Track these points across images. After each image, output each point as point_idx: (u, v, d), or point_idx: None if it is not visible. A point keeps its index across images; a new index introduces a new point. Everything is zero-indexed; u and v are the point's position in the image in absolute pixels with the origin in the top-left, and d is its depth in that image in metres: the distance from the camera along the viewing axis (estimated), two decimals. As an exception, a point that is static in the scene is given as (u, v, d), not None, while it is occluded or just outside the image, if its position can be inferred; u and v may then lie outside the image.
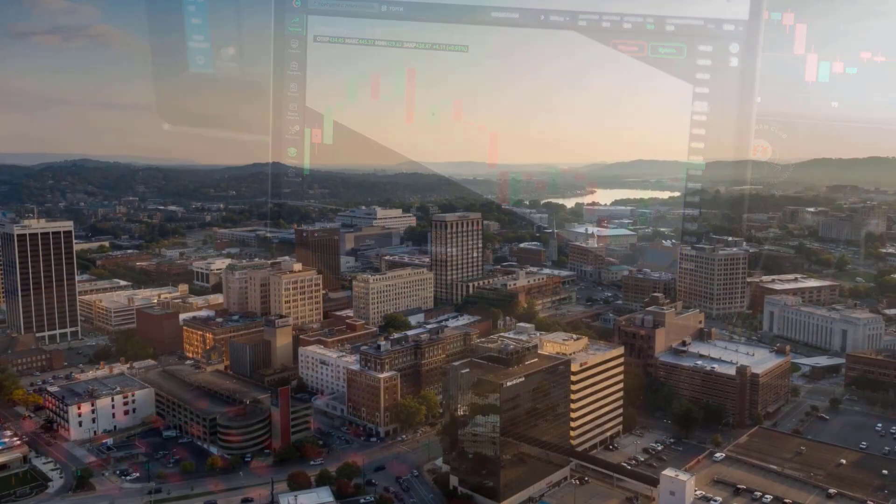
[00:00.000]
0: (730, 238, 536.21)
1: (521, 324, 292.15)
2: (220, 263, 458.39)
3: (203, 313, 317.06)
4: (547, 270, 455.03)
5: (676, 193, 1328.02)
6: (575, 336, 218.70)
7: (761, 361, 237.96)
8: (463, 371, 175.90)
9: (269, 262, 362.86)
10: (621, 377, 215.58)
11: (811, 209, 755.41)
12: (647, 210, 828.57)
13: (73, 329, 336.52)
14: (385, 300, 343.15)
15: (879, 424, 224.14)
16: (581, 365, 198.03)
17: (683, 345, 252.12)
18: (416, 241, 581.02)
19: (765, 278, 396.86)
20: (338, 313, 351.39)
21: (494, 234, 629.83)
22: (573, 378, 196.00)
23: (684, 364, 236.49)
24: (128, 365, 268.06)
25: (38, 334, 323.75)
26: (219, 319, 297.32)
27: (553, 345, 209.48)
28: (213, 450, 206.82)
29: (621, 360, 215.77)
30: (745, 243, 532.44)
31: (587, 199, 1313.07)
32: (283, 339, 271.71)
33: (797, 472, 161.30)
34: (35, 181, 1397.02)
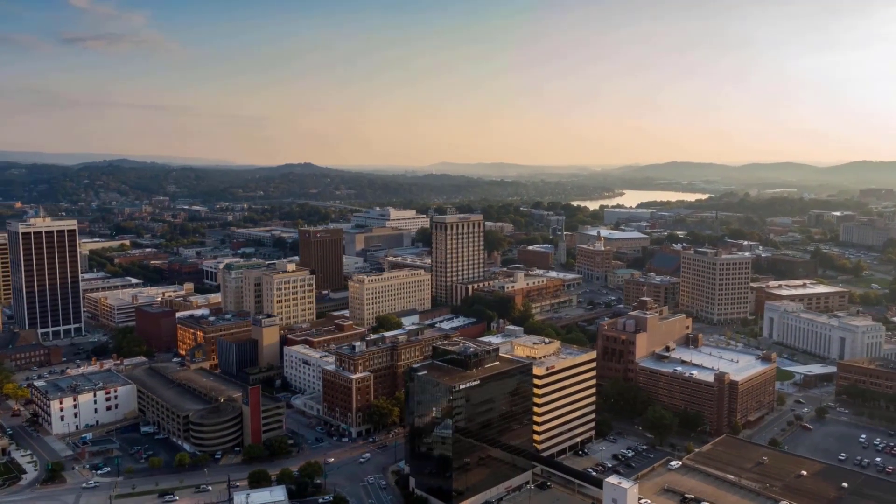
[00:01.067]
0: (745, 242, 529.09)
1: (510, 326, 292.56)
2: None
3: (199, 312, 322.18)
4: (552, 273, 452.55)
5: (704, 196, 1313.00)
6: (547, 340, 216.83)
7: (743, 368, 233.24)
8: (420, 373, 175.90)
9: (267, 262, 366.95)
10: (593, 382, 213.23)
11: (837, 213, 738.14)
12: (669, 213, 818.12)
13: (76, 325, 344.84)
14: (381, 301, 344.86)
15: (863, 436, 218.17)
16: (547, 369, 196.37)
17: (667, 350, 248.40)
18: (427, 243, 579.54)
19: (771, 283, 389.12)
20: (335, 313, 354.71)
21: (507, 235, 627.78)
22: (538, 382, 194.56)
23: (664, 370, 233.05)
24: (118, 361, 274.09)
25: (42, 330, 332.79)
26: (211, 318, 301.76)
27: (523, 348, 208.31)
28: (187, 446, 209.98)
29: (593, 364, 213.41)
30: (760, 247, 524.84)
31: (614, 202, 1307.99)
32: (269, 338, 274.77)
33: (753, 482, 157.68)
34: (72, 180, 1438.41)
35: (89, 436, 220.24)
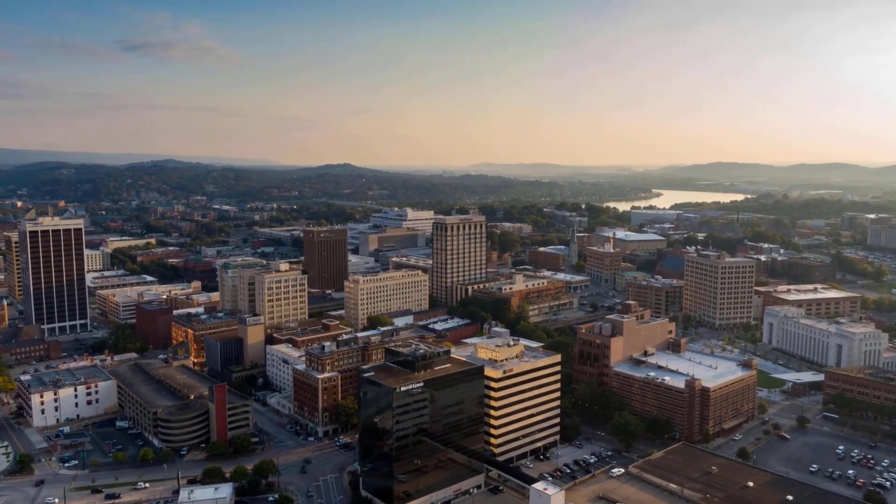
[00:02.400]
0: (765, 245, 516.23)
1: (496, 328, 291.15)
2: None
3: (195, 310, 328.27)
4: (561, 275, 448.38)
5: (741, 197, 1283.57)
6: (511, 342, 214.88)
7: (720, 375, 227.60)
8: (367, 375, 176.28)
9: (265, 261, 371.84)
10: (557, 385, 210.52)
11: (871, 216, 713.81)
12: (694, 214, 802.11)
13: (82, 321, 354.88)
14: (376, 301, 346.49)
15: (841, 447, 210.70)
16: (504, 372, 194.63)
17: (645, 355, 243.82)
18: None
19: (780, 288, 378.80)
20: (334, 313, 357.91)
21: (523, 236, 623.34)
22: (494, 385, 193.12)
23: (637, 375, 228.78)
24: (106, 357, 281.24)
25: (48, 325, 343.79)
26: (203, 316, 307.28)
27: (486, 350, 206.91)
28: (156, 442, 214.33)
29: (557, 368, 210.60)
30: (781, 250, 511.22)
31: (649, 203, 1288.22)
32: (254, 337, 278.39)
33: (696, 493, 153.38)
34: (116, 180, 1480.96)
35: (66, 429, 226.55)
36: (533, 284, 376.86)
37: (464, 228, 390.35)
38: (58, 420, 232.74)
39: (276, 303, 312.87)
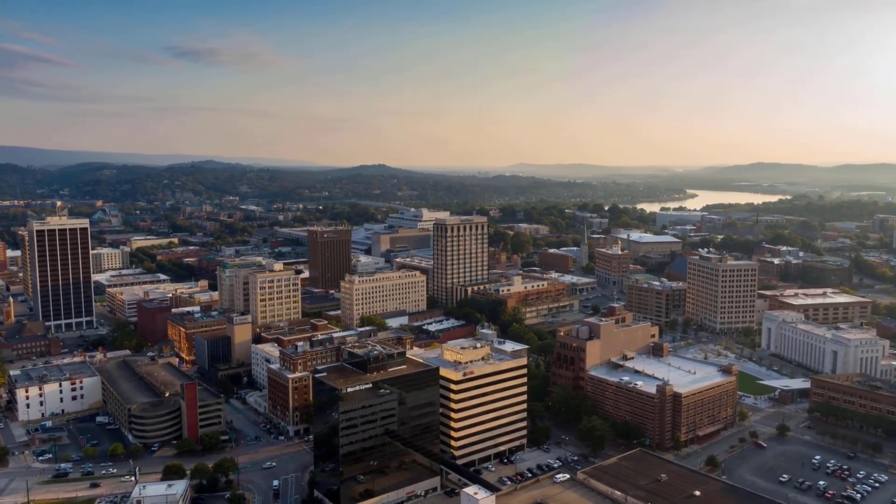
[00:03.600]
0: (783, 248, 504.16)
1: (484, 330, 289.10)
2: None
3: (192, 309, 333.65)
4: (568, 277, 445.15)
5: (775, 198, 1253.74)
6: (479, 344, 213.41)
7: (698, 381, 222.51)
8: (318, 375, 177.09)
9: (263, 261, 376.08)
10: (523, 388, 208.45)
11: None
12: (718, 216, 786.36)
13: (87, 318, 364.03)
14: (372, 302, 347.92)
15: (818, 456, 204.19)
16: (464, 374, 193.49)
17: (624, 359, 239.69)
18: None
19: (787, 292, 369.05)
20: (332, 313, 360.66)
21: (538, 238, 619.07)
22: (454, 387, 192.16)
23: (610, 379, 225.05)
24: (94, 353, 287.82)
25: (55, 322, 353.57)
26: (197, 315, 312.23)
27: (451, 353, 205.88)
28: (130, 437, 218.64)
29: (523, 371, 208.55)
30: (801, 253, 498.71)
31: (683, 204, 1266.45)
32: (241, 336, 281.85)
33: (640, 500, 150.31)
34: (153, 180, 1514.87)
35: (48, 423, 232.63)
36: (532, 286, 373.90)
37: (464, 229, 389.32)
38: (42, 414, 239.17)
39: (268, 302, 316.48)
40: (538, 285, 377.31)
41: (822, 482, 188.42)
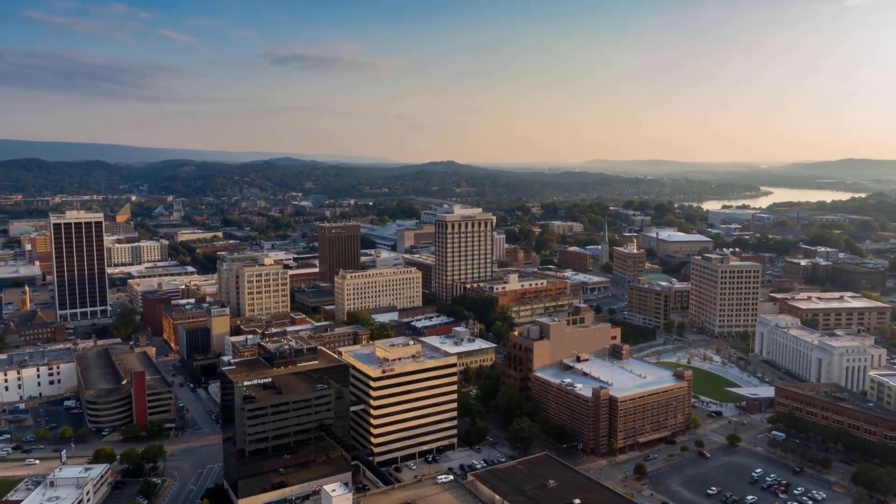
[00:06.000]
0: (821, 248, 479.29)
1: (457, 328, 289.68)
2: (274, 256, 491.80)
3: (186, 300, 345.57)
4: (580, 276, 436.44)
5: (846, 196, 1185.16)
6: (412, 342, 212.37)
7: (644, 385, 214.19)
8: (224, 368, 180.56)
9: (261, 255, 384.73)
10: (453, 387, 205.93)
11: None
12: (769, 215, 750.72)
13: (102, 308, 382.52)
14: (363, 297, 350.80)
15: (759, 469, 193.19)
16: (383, 371, 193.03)
17: (577, 360, 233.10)
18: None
19: (799, 295, 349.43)
20: (329, 307, 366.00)
21: (569, 235, 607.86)
22: (373, 384, 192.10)
23: (553, 381, 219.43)
24: (94, 342, 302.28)
25: (70, 311, 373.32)
26: (187, 306, 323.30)
27: (381, 349, 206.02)
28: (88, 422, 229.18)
29: (452, 370, 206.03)
30: (840, 254, 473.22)
31: (745, 202, 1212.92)
32: (219, 328, 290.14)
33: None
34: (224, 177, 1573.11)
35: (22, 405, 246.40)
36: (530, 285, 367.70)
37: (466, 226, 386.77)
38: (20, 397, 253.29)
39: (255, 295, 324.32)
40: (537, 284, 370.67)
41: (750, 497, 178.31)
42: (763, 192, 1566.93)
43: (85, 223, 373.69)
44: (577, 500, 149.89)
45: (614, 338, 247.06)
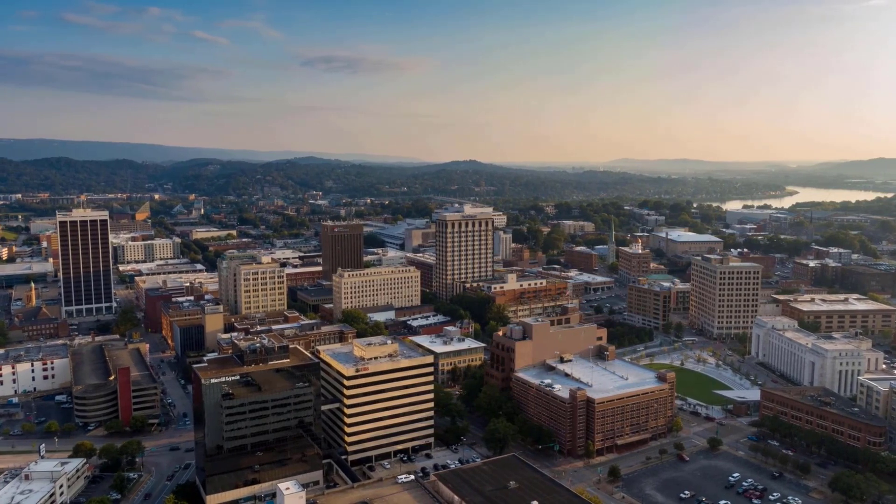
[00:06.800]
0: (833, 250, 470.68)
1: (448, 327, 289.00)
2: (281, 255, 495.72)
3: (185, 298, 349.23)
4: (585, 276, 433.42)
5: (871, 196, 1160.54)
6: (390, 341, 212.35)
7: (624, 387, 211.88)
8: (196, 365, 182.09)
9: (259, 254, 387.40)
10: (429, 387, 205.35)
11: None
12: (785, 215, 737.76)
13: (107, 304, 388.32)
14: (361, 296, 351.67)
15: (736, 474, 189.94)
16: (357, 370, 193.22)
17: (561, 361, 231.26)
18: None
19: (802, 297, 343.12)
20: (328, 306, 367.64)
21: (578, 235, 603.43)
22: (346, 383, 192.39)
23: (533, 382, 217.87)
24: (92, 338, 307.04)
25: (76, 307, 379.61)
26: (185, 304, 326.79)
27: (358, 348, 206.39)
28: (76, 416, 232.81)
29: (429, 369, 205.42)
30: (855, 255, 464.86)
31: (767, 202, 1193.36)
32: (213, 325, 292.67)
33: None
34: (246, 175, 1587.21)
35: (14, 399, 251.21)
36: (529, 284, 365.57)
37: (466, 226, 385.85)
38: (15, 391, 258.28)
39: (252, 293, 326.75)
40: (536, 284, 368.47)
41: (724, 501, 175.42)
42: (788, 192, 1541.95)
43: (90, 221, 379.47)
44: (535, 502, 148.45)
45: (600, 338, 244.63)
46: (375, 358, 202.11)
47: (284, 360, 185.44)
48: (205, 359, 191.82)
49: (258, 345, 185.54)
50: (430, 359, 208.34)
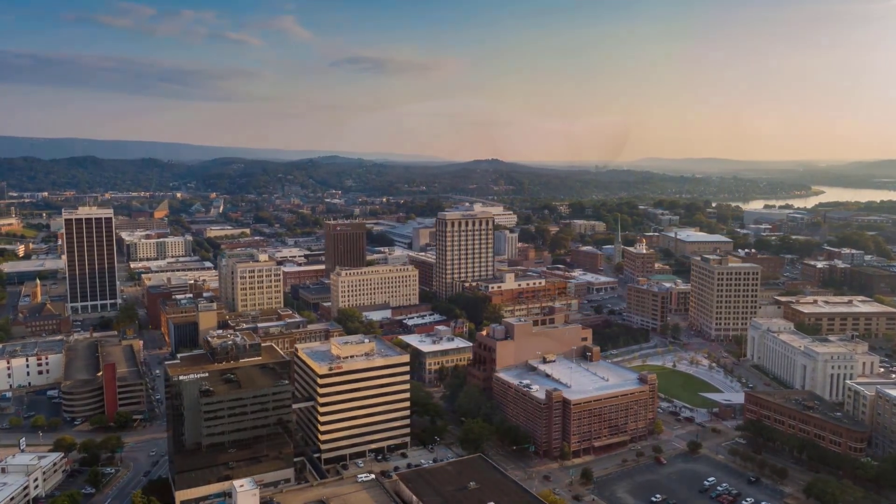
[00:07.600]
0: (846, 251, 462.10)
1: (439, 326, 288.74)
2: (287, 253, 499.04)
3: (184, 295, 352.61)
4: (589, 276, 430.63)
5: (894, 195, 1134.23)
6: (367, 339, 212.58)
7: (604, 388, 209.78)
8: (168, 363, 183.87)
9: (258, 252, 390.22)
10: (405, 386, 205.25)
11: None
12: (803, 215, 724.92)
13: (112, 301, 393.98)
14: (358, 294, 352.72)
15: (711, 478, 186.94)
16: (330, 369, 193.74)
17: (543, 361, 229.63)
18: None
19: (804, 299, 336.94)
20: (327, 304, 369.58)
21: (588, 235, 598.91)
22: (320, 381, 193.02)
23: (512, 382, 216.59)
24: (90, 334, 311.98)
25: (81, 304, 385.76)
26: (183, 301, 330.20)
27: (335, 347, 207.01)
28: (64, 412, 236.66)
29: (405, 368, 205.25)
30: (867, 257, 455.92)
31: (790, 202, 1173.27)
32: (207, 322, 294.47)
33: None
34: (268, 174, 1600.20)
35: (8, 394, 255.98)
36: (527, 284, 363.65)
37: (466, 225, 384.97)
38: (10, 386, 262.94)
39: (248, 291, 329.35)
40: (534, 283, 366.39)
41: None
42: (814, 192, 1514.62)
43: (95, 219, 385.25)
44: (493, 502, 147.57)
45: (585, 339, 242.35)
46: (351, 356, 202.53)
47: (255, 358, 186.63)
48: (178, 356, 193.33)
49: (230, 342, 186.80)
50: (406, 358, 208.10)
